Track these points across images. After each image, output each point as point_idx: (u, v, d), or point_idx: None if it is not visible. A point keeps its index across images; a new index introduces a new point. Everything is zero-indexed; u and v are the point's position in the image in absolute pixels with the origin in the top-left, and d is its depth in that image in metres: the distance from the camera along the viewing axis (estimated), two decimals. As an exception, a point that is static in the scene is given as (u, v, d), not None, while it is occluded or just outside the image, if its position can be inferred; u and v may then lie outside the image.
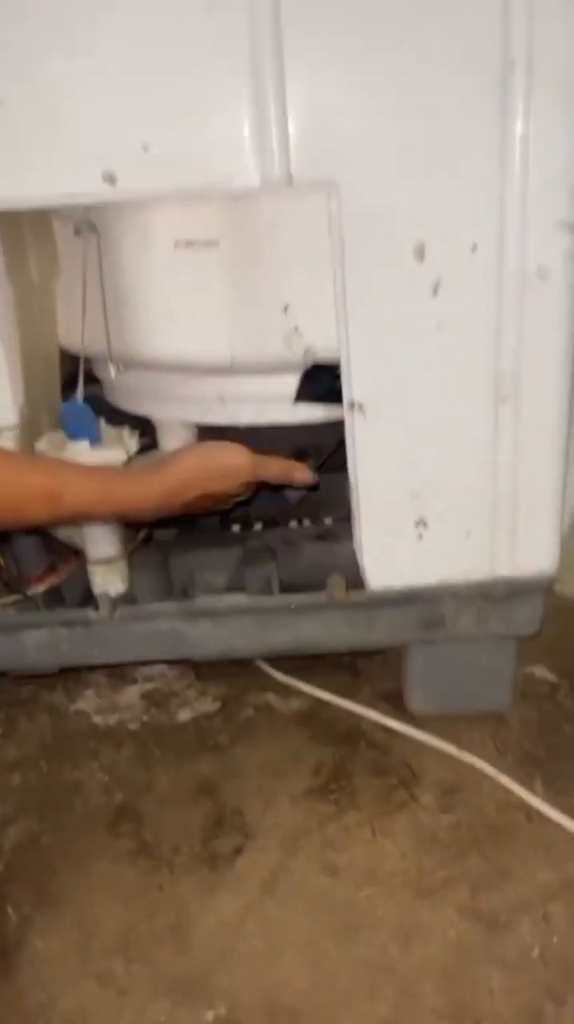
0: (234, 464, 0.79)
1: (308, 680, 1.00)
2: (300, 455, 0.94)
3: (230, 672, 1.03)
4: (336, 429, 0.86)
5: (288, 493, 0.96)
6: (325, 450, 0.95)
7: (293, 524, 0.97)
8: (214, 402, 0.87)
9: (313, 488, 0.88)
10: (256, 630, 0.89)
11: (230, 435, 0.87)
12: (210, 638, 0.89)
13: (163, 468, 0.78)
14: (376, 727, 0.94)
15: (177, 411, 0.89)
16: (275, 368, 0.83)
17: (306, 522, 0.99)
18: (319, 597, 0.87)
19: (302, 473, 0.85)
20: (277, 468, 0.83)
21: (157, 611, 0.87)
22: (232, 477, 0.79)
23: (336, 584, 0.87)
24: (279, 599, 0.88)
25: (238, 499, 0.83)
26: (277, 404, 0.86)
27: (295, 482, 0.85)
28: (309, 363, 0.81)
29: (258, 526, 0.97)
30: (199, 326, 0.80)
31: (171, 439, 0.92)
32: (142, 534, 0.95)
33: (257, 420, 0.87)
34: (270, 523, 0.99)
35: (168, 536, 0.96)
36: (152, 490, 0.75)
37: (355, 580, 0.87)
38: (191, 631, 0.89)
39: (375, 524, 0.85)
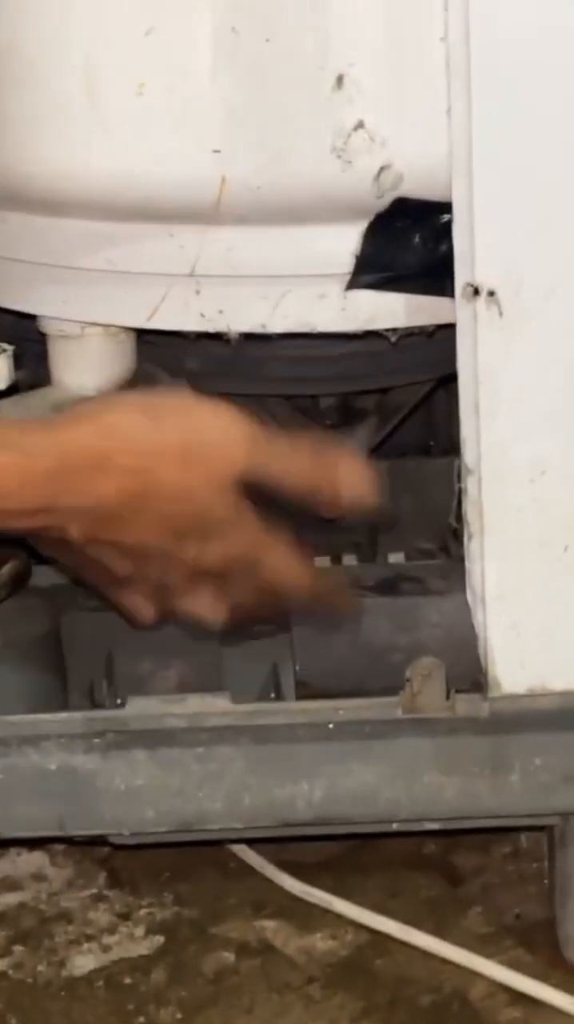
0: (215, 437, 0.74)
1: (349, 892, 0.95)
2: (346, 419, 0.95)
3: (183, 870, 0.99)
4: (421, 362, 0.88)
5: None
6: (398, 408, 0.96)
7: (320, 562, 0.93)
8: (175, 284, 0.82)
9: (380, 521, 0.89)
10: (247, 777, 0.83)
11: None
12: (147, 794, 0.83)
13: (70, 417, 0.76)
14: (502, 996, 0.90)
15: (95, 305, 0.85)
16: (308, 212, 0.80)
17: (349, 558, 0.97)
18: (388, 708, 0.81)
19: (355, 470, 0.77)
20: (302, 460, 0.76)
21: (35, 730, 0.82)
22: (206, 466, 0.74)
23: (426, 679, 0.80)
24: (301, 710, 0.83)
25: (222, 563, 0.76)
26: (308, 292, 0.83)
27: (344, 491, 0.77)
28: (385, 203, 0.79)
29: None
30: (152, 111, 0.78)
31: (80, 370, 0.89)
32: (5, 570, 0.91)
33: (267, 326, 0.83)
34: None
35: (58, 582, 0.94)
36: (38, 455, 0.72)
37: (459, 676, 0.82)
38: (106, 775, 0.82)
39: (514, 550, 0.80)
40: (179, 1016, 0.89)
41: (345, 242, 0.80)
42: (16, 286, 0.87)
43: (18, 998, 0.91)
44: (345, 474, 0.76)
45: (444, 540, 0.94)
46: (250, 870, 0.98)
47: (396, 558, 0.95)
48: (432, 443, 1.03)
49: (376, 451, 0.95)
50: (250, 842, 0.98)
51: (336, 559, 0.98)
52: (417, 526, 0.96)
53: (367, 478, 0.77)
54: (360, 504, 0.77)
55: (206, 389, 0.87)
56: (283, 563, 0.76)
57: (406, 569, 0.93)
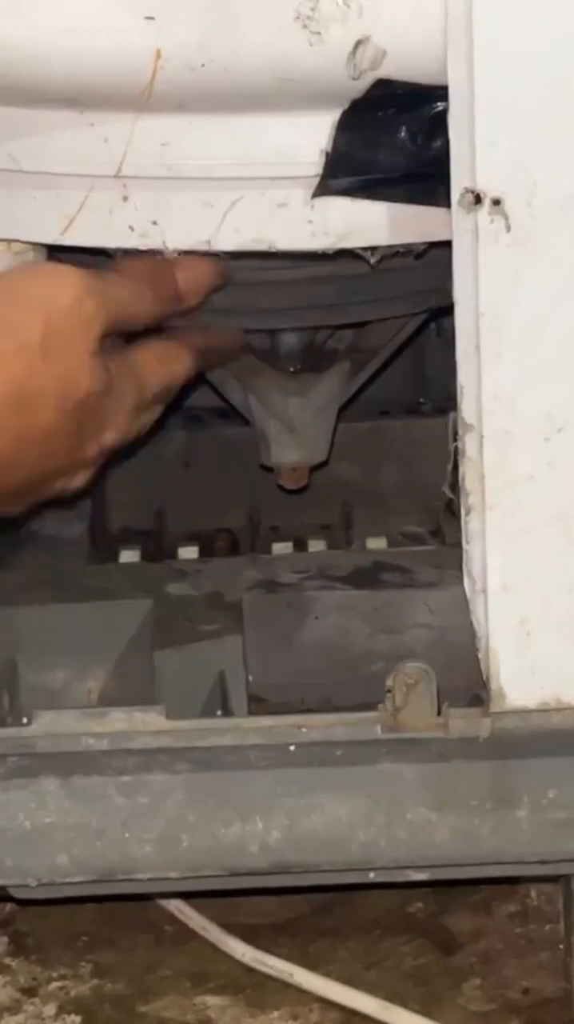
0: (45, 294, 0.80)
1: (315, 961, 0.96)
2: (312, 363, 0.95)
3: (104, 934, 0.99)
4: (407, 291, 0.90)
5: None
6: (378, 351, 0.98)
7: (280, 548, 1.00)
8: (97, 188, 0.84)
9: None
10: (186, 813, 0.83)
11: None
12: (59, 834, 0.83)
13: None
14: None
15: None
16: (265, 98, 0.80)
17: (317, 543, 1.02)
18: (364, 726, 0.82)
19: (190, 261, 0.86)
20: (143, 284, 0.85)
21: None
22: (68, 347, 0.79)
23: (412, 689, 0.81)
24: (254, 729, 0.82)
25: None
26: (265, 199, 0.83)
27: (183, 284, 0.87)
28: (362, 87, 0.78)
29: (188, 550, 1.01)
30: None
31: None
32: None
33: (213, 242, 0.84)
34: (216, 540, 1.04)
35: None
36: None
37: (454, 686, 0.84)
38: (7, 810, 0.83)
39: (524, 527, 0.81)
40: None
41: (312, 136, 0.80)
42: None
43: None
44: (182, 268, 0.86)
45: (437, 522, 0.96)
46: (190, 934, 0.98)
47: (376, 543, 0.97)
48: (422, 399, 1.04)
49: (350, 406, 0.95)
50: (190, 897, 0.97)
51: (300, 544, 1.00)
52: (403, 503, 0.99)
53: (203, 261, 0.86)
54: (201, 288, 0.87)
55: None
56: (168, 370, 0.87)
57: (388, 556, 0.94)
